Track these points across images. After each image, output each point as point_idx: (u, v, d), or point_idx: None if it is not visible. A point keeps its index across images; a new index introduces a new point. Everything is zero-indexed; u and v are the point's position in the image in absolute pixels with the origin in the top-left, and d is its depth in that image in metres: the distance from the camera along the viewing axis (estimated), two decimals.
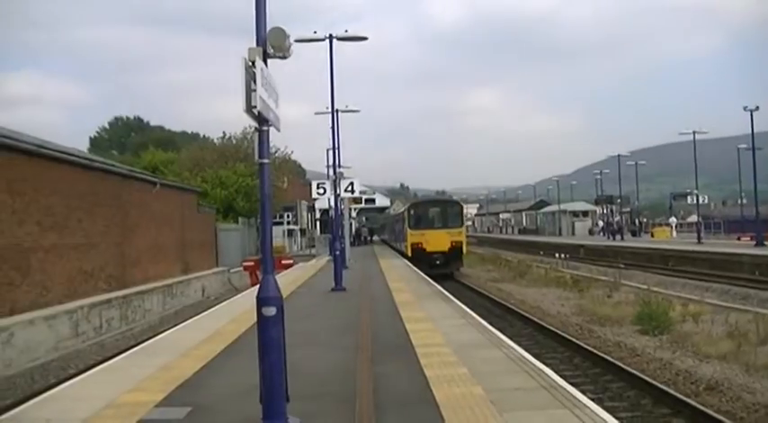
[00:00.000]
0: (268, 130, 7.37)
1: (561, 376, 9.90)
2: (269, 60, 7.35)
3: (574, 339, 17.58)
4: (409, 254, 39.31)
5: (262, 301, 7.12)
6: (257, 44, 7.24)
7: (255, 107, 6.92)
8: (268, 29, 7.32)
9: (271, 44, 7.26)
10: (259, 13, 7.35)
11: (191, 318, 19.30)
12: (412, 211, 41.41)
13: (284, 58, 7.42)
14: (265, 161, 7.31)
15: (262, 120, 7.20)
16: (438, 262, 37.95)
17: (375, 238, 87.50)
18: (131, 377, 10.02)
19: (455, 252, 38.61)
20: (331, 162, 34.15)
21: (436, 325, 14.30)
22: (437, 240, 38.41)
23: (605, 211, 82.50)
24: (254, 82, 6.91)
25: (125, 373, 10.43)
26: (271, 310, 7.09)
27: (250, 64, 6.98)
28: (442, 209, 41.44)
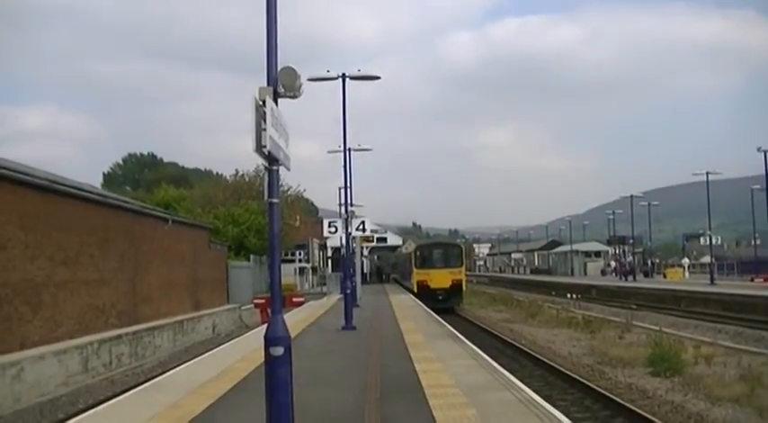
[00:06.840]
0: (278, 170, 7.37)
1: (571, 419, 9.81)
2: (280, 99, 7.37)
3: (585, 381, 17.39)
4: (415, 290, 44.08)
5: (270, 341, 7.09)
6: (268, 83, 7.25)
7: (265, 147, 6.91)
8: (279, 68, 7.34)
9: (281, 84, 7.27)
10: (270, 53, 7.35)
11: (201, 355, 19.27)
12: (418, 253, 46.63)
13: (294, 97, 7.42)
14: (275, 200, 7.31)
15: (271, 159, 7.21)
16: (441, 297, 42.41)
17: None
18: (139, 414, 10.01)
19: (456, 289, 43.69)
20: (343, 200, 34.27)
21: (446, 365, 14.23)
22: (440, 278, 43.50)
23: (618, 252, 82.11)
24: (264, 121, 6.90)
25: (133, 410, 10.43)
26: (278, 350, 7.06)
27: (260, 103, 6.97)
28: (444, 251, 46.72)
